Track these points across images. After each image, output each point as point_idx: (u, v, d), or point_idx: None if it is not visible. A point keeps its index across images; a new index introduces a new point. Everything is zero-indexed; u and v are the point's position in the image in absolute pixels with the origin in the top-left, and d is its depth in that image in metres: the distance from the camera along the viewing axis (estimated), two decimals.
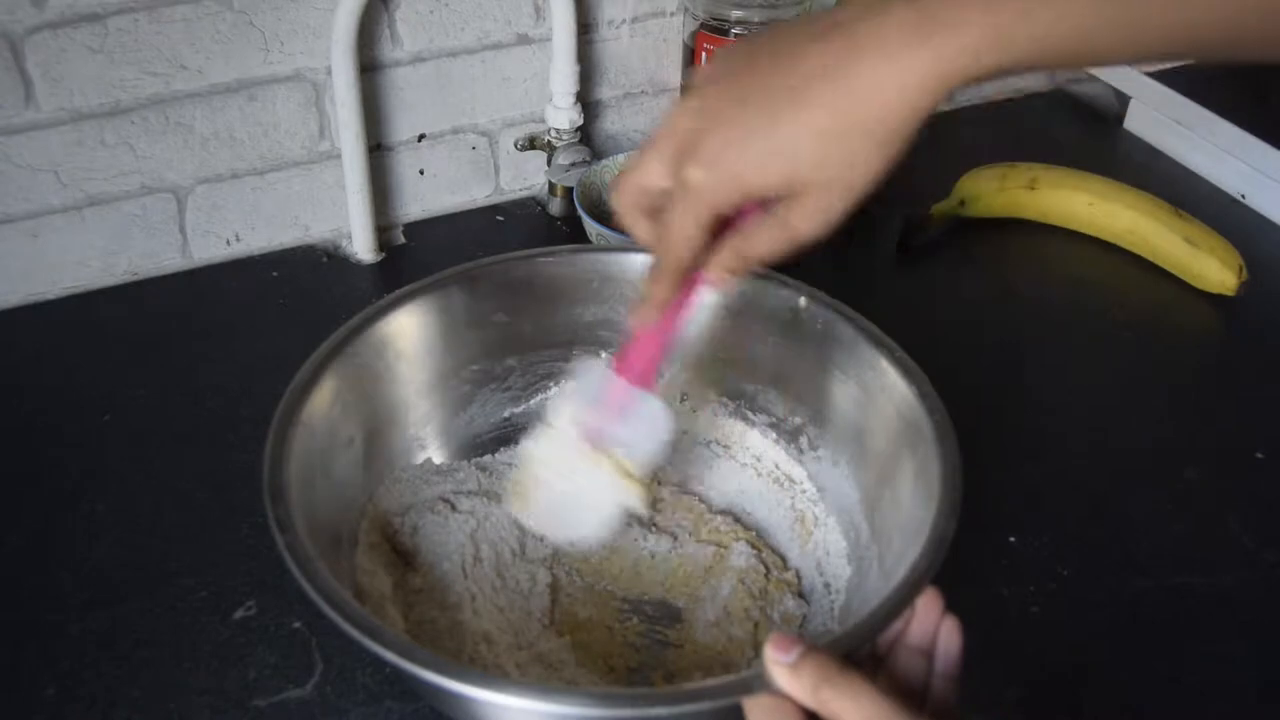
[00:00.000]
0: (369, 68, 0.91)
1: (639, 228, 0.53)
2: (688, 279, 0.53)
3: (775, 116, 0.46)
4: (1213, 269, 0.93)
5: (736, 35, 0.94)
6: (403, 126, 0.96)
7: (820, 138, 0.46)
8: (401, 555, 0.66)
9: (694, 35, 0.97)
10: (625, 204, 0.52)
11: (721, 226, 0.51)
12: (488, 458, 0.73)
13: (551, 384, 0.75)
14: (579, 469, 0.60)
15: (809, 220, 0.48)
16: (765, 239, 0.50)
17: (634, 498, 0.60)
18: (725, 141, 0.47)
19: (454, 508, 0.68)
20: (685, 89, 0.48)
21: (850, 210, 0.48)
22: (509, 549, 0.67)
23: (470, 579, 0.64)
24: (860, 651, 0.51)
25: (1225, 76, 1.15)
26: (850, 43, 0.45)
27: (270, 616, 0.67)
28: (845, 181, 0.47)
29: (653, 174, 0.50)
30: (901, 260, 0.98)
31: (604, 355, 0.63)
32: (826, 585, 0.66)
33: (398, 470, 0.69)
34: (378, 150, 0.95)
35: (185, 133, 0.88)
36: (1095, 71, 1.20)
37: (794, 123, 0.46)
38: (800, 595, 0.66)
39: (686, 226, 0.50)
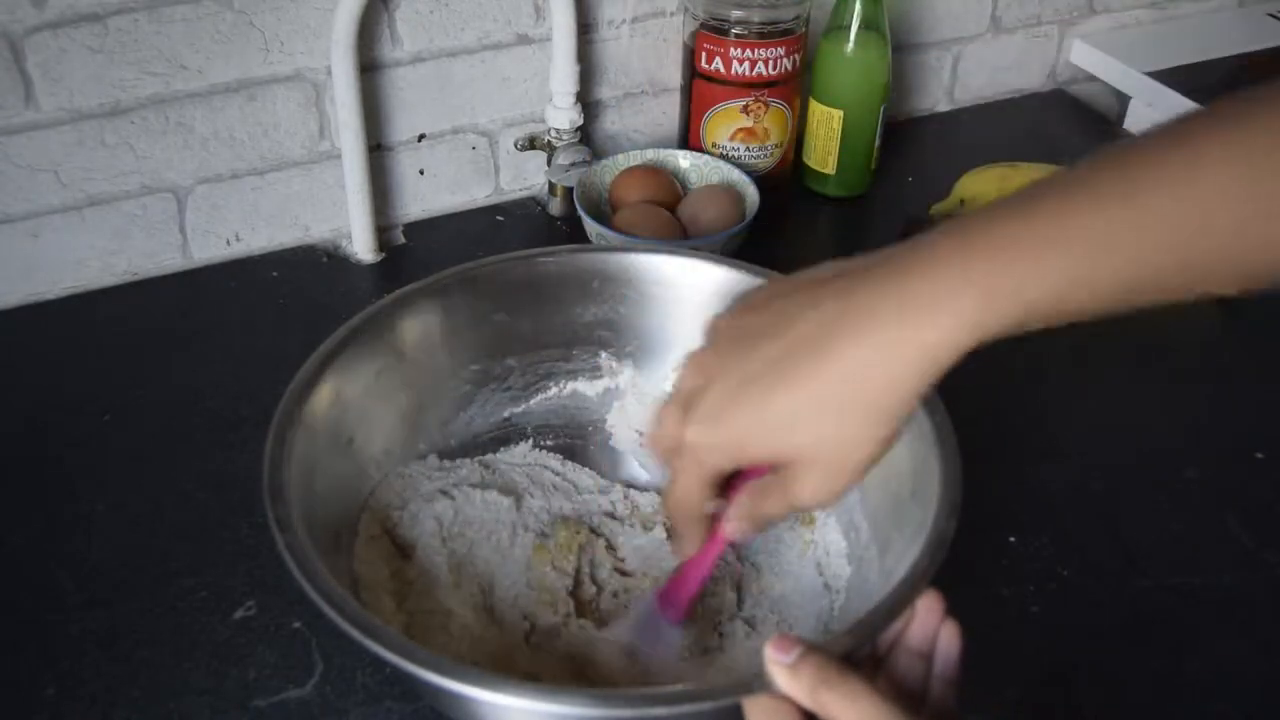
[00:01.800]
0: (369, 68, 0.91)
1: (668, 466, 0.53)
2: (713, 525, 0.53)
3: (769, 386, 0.45)
4: None
5: (736, 35, 0.94)
6: (403, 126, 0.96)
7: (812, 414, 0.45)
8: (400, 548, 0.66)
9: (694, 35, 0.97)
10: (656, 453, 0.52)
11: (734, 477, 0.51)
12: (489, 456, 0.73)
13: (551, 384, 0.75)
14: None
15: (809, 492, 0.47)
16: (772, 504, 0.50)
17: None
18: (721, 405, 0.47)
19: (453, 500, 0.68)
20: (705, 332, 0.51)
21: (852, 486, 0.47)
22: (503, 539, 0.67)
23: (463, 568, 0.65)
24: (860, 652, 0.51)
25: (1225, 77, 1.16)
26: (839, 315, 0.44)
27: (270, 616, 0.67)
28: (841, 459, 0.46)
29: (667, 427, 0.50)
30: None
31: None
32: (826, 585, 0.66)
33: (398, 465, 0.69)
34: (378, 150, 0.96)
35: (185, 133, 0.88)
36: (1094, 71, 1.20)
37: (785, 396, 0.45)
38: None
39: (689, 484, 0.50)
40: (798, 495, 0.47)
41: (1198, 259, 0.43)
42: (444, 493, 0.69)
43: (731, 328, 0.49)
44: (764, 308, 0.48)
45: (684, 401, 0.48)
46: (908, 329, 0.43)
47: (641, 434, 0.73)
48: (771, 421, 0.46)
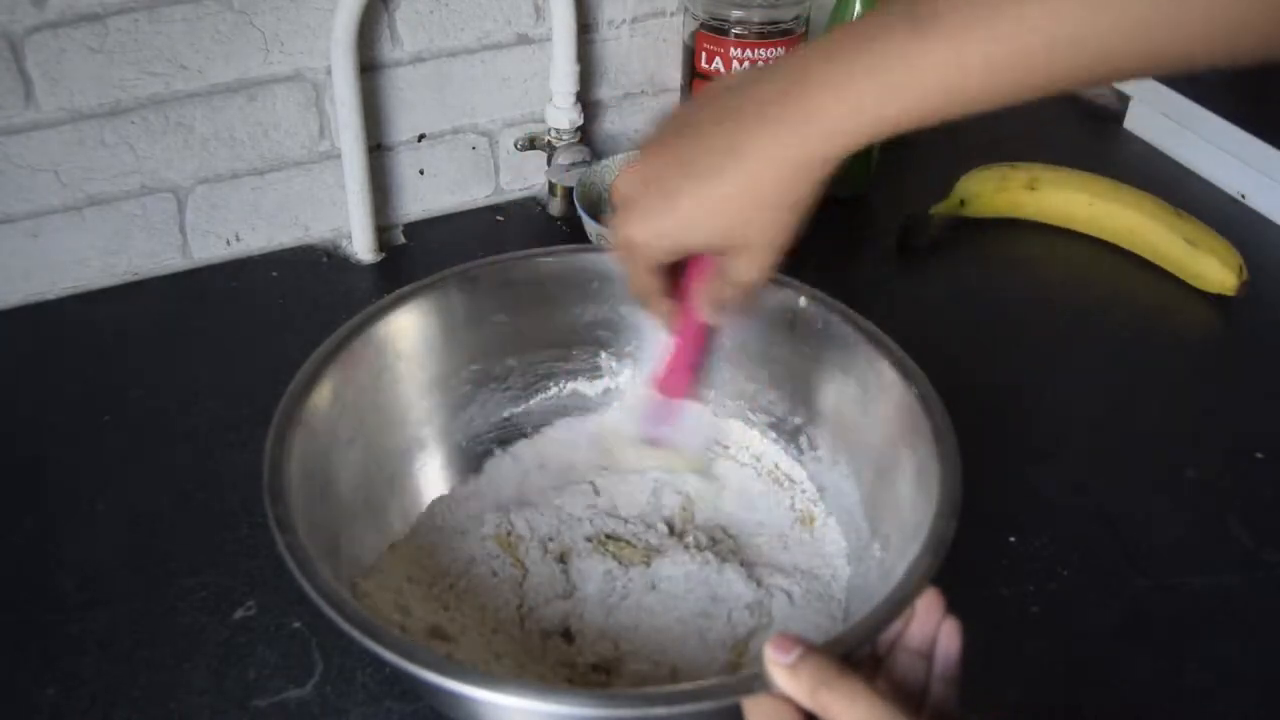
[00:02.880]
0: (369, 68, 0.91)
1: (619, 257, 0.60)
2: (686, 311, 0.61)
3: (694, 187, 0.53)
4: (1213, 269, 0.93)
5: (736, 35, 0.94)
6: (403, 126, 0.96)
7: (728, 208, 0.53)
8: (400, 546, 0.66)
9: (694, 35, 0.97)
10: (616, 258, 0.59)
11: (683, 266, 0.59)
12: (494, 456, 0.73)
13: (551, 384, 0.75)
14: (645, 459, 0.71)
15: (746, 272, 0.56)
16: (720, 287, 0.58)
17: (690, 478, 0.71)
18: (654, 203, 0.54)
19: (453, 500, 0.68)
20: (642, 141, 0.58)
21: (779, 259, 0.55)
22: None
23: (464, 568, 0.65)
24: (860, 652, 0.51)
25: (1225, 77, 1.16)
26: (743, 119, 0.52)
27: (270, 616, 0.67)
28: (762, 242, 0.54)
29: (615, 231, 0.57)
30: (901, 260, 0.98)
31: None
32: (827, 585, 0.66)
33: (398, 465, 0.69)
34: (378, 150, 0.96)
35: (185, 133, 0.88)
36: None
37: (704, 194, 0.53)
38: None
39: (637, 271, 0.58)
40: (736, 275, 0.56)
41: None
42: (444, 493, 0.69)
43: (656, 146, 0.55)
44: (681, 128, 0.55)
45: (624, 207, 0.56)
46: (793, 141, 0.51)
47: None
48: (698, 214, 0.53)
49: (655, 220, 0.55)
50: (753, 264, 0.55)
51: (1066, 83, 0.48)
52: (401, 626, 0.61)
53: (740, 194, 0.52)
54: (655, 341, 0.73)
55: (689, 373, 0.64)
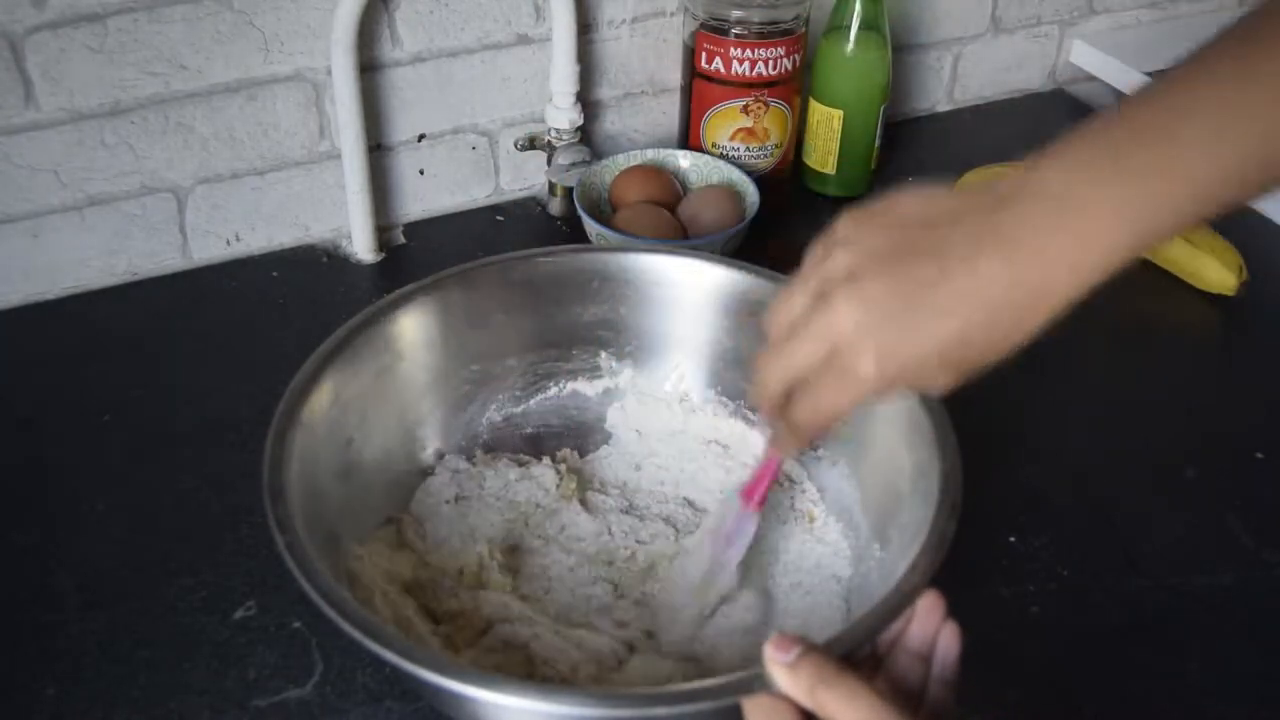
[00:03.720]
0: (369, 68, 0.91)
1: (774, 407, 0.53)
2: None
3: (941, 318, 0.46)
4: (1213, 269, 0.93)
5: (736, 36, 0.94)
6: (403, 126, 0.96)
7: (979, 338, 0.47)
8: (400, 547, 0.66)
9: (694, 35, 0.97)
10: (775, 387, 0.52)
11: None
12: (493, 456, 0.73)
13: (551, 384, 0.75)
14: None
15: (941, 385, 0.49)
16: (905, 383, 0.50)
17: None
18: (898, 339, 0.47)
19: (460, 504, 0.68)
20: (829, 253, 0.50)
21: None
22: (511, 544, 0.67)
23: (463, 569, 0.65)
24: (859, 652, 0.51)
25: None
26: (1003, 235, 0.46)
27: (270, 616, 0.67)
28: (979, 363, 0.48)
29: (812, 361, 0.49)
30: None
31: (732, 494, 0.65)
32: (826, 585, 0.66)
33: (398, 465, 0.69)
34: (378, 150, 0.96)
35: (185, 133, 0.88)
36: (1094, 71, 1.20)
37: (960, 325, 0.46)
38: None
39: (845, 407, 0.50)
40: (936, 385, 0.49)
41: None
42: (447, 492, 0.69)
43: (876, 266, 0.47)
44: (908, 245, 0.47)
45: (839, 337, 0.48)
46: (1054, 259, 0.45)
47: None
48: (941, 354, 0.47)
49: (900, 356, 0.47)
50: (946, 381, 0.49)
51: None
52: (384, 592, 0.61)
53: (996, 324, 0.46)
54: (657, 344, 0.74)
55: (770, 485, 0.63)
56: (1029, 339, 0.48)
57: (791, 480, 0.72)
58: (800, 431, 0.53)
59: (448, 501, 0.69)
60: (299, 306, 0.91)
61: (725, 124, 0.98)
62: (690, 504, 0.72)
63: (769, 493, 0.63)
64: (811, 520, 0.70)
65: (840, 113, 1.00)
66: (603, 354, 0.75)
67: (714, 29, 0.95)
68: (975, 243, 0.46)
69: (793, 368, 0.50)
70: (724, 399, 0.74)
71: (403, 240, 0.99)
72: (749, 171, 0.97)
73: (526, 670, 0.60)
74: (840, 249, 0.48)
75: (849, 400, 0.49)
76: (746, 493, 0.63)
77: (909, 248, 0.47)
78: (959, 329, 0.46)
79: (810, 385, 0.50)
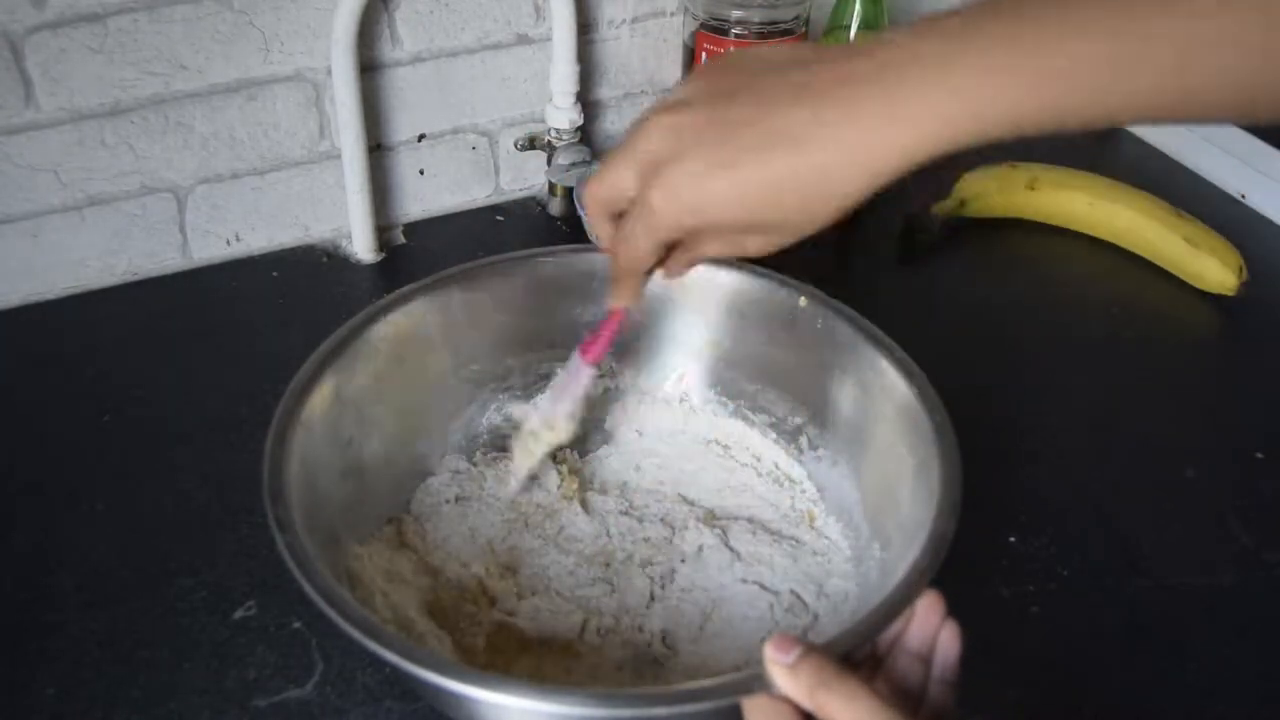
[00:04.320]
0: (369, 68, 0.91)
1: (603, 230, 0.54)
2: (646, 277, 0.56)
3: (739, 160, 0.47)
4: (1213, 269, 0.93)
5: (736, 35, 0.94)
6: (403, 126, 0.96)
7: (778, 189, 0.47)
8: (400, 546, 0.66)
9: (694, 35, 0.97)
10: (593, 207, 0.53)
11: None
12: (493, 457, 0.73)
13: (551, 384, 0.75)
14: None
15: (758, 247, 0.51)
16: (716, 249, 0.52)
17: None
18: (690, 173, 0.47)
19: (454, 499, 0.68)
20: (665, 95, 0.52)
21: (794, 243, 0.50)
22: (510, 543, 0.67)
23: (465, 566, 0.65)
24: (859, 653, 0.51)
25: None
26: (823, 100, 0.46)
27: (270, 616, 0.67)
28: (794, 226, 0.48)
29: (622, 183, 0.51)
30: (902, 260, 0.98)
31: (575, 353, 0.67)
32: (827, 585, 0.66)
33: (398, 465, 0.69)
34: (378, 150, 0.96)
35: (185, 133, 0.88)
36: None
37: (757, 170, 0.46)
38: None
39: (643, 243, 0.51)
40: (746, 247, 0.51)
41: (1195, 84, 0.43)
42: (447, 492, 0.69)
43: (703, 102, 0.48)
44: (739, 83, 0.48)
45: (646, 163, 0.49)
46: (878, 128, 0.45)
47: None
48: (746, 190, 0.47)
49: (693, 187, 0.47)
50: (770, 243, 0.50)
51: (1184, 108, 0.43)
52: (384, 593, 0.61)
53: (801, 177, 0.46)
54: (657, 344, 0.74)
55: (614, 340, 0.64)
56: (838, 212, 0.47)
57: (791, 480, 0.72)
58: (619, 272, 0.55)
59: (448, 501, 0.69)
60: (299, 306, 0.91)
61: None
62: (689, 503, 0.72)
63: (609, 347, 0.64)
64: (811, 520, 0.70)
65: None
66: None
67: (714, 29, 0.95)
68: (800, 91, 0.46)
69: (604, 187, 0.51)
70: (724, 399, 0.74)
71: (403, 240, 0.99)
72: None
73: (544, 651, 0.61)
74: (685, 83, 0.50)
75: (644, 235, 0.50)
76: (584, 347, 0.64)
77: (740, 87, 0.48)
78: (760, 176, 0.46)
79: (622, 222, 0.52)
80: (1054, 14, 0.43)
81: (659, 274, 0.57)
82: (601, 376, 0.76)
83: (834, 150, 0.45)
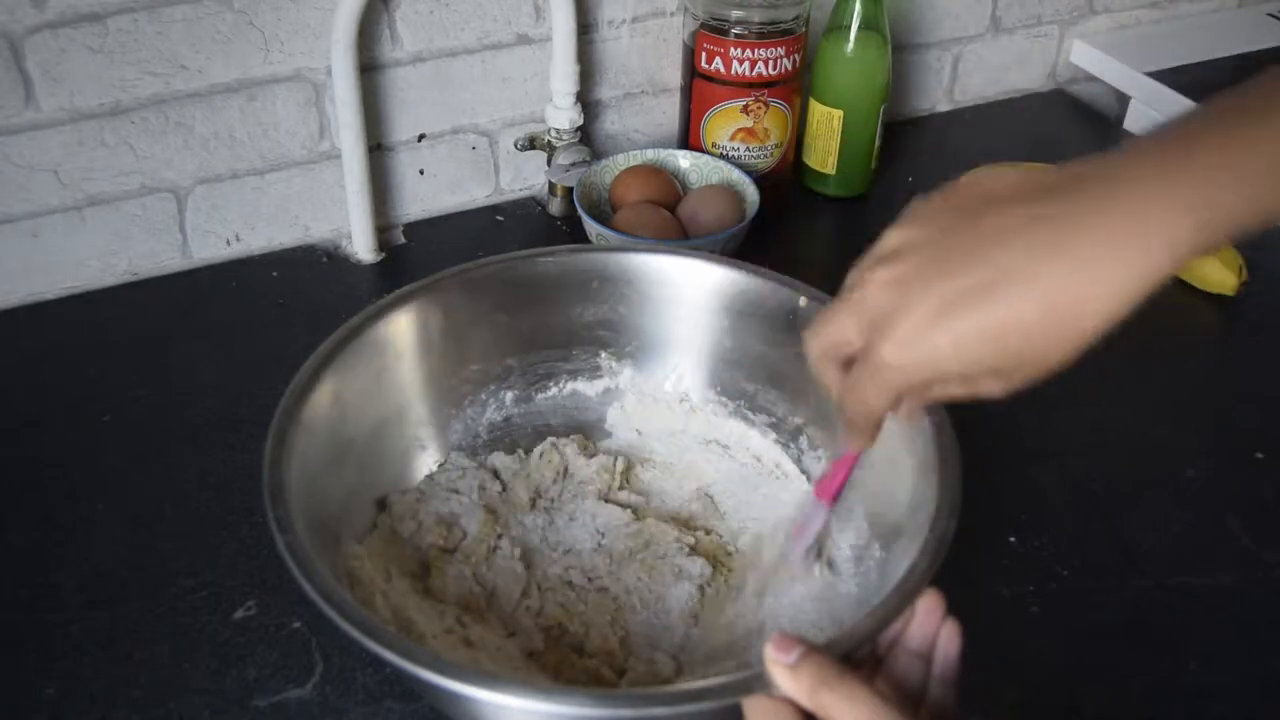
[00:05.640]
0: (369, 68, 0.91)
1: (829, 377, 0.52)
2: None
3: (963, 306, 0.45)
4: (1213, 269, 0.93)
5: (736, 36, 0.94)
6: (403, 126, 0.96)
7: (1006, 335, 0.44)
8: (400, 546, 0.66)
9: (694, 35, 0.97)
10: (817, 354, 0.52)
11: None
12: (495, 458, 0.73)
13: (551, 384, 0.75)
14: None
15: (995, 390, 0.48)
16: (950, 394, 0.49)
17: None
18: (919, 328, 0.46)
19: (453, 499, 0.68)
20: (881, 244, 0.49)
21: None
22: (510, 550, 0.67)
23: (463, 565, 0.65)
24: (860, 652, 0.51)
25: (1225, 78, 1.15)
26: (1056, 233, 0.44)
27: (270, 616, 0.67)
28: (1029, 368, 0.46)
29: (846, 332, 0.49)
30: None
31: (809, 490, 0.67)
32: (827, 585, 0.66)
33: (399, 465, 0.69)
34: (378, 150, 0.96)
35: (185, 133, 0.88)
36: (1095, 71, 1.20)
37: (982, 316, 0.44)
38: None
39: (876, 399, 0.49)
40: (980, 392, 0.48)
41: None
42: (447, 492, 0.69)
43: (923, 247, 0.47)
44: (954, 229, 0.46)
45: (874, 317, 0.47)
46: (1117, 255, 0.43)
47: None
48: (978, 345, 0.45)
49: (927, 343, 0.45)
50: (1005, 387, 0.47)
51: None
52: (384, 593, 0.61)
53: (1028, 319, 0.44)
54: (657, 344, 0.74)
55: (844, 480, 0.61)
56: (1074, 352, 0.45)
57: (791, 480, 0.72)
58: (850, 424, 0.53)
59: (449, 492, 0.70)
60: (299, 306, 0.91)
61: (725, 124, 0.98)
62: (689, 503, 0.72)
63: (843, 488, 0.62)
64: None
65: (840, 113, 1.00)
66: (603, 354, 0.75)
67: (714, 29, 0.95)
68: (1024, 225, 0.44)
69: (828, 337, 0.50)
70: (724, 399, 0.74)
71: (403, 240, 0.99)
72: (749, 171, 0.97)
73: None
74: (899, 227, 0.48)
75: (877, 390, 0.48)
76: (820, 487, 0.62)
77: (963, 228, 0.46)
78: (986, 322, 0.44)
79: (851, 374, 0.50)
80: (1261, 117, 0.43)
81: (894, 415, 0.53)
82: (601, 378, 0.76)
83: (1060, 288, 0.44)
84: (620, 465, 0.72)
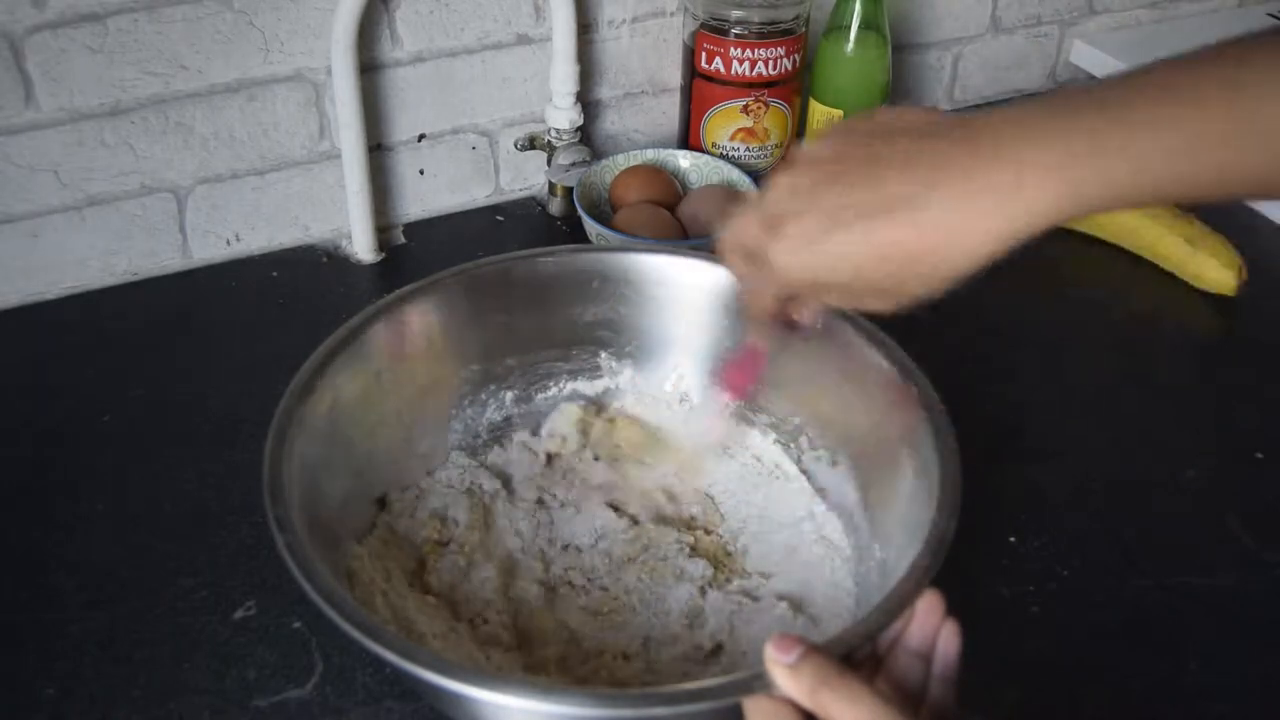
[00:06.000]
0: (369, 68, 0.91)
1: (736, 268, 0.57)
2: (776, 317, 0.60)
3: (863, 229, 0.49)
4: (1212, 269, 0.93)
5: (736, 35, 0.94)
6: (403, 126, 0.96)
7: (890, 259, 0.49)
8: (400, 546, 0.66)
9: (694, 35, 0.97)
10: (725, 248, 0.56)
11: None
12: (492, 455, 0.73)
13: (551, 384, 0.75)
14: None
15: (877, 306, 0.53)
16: (835, 302, 0.55)
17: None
18: (806, 234, 0.50)
19: (453, 497, 0.68)
20: (791, 156, 0.54)
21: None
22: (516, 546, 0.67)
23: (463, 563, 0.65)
24: (860, 652, 0.51)
25: None
26: (943, 172, 0.48)
27: (270, 616, 0.67)
28: (909, 291, 0.50)
29: (746, 232, 0.54)
30: None
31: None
32: (827, 585, 0.66)
33: (399, 464, 0.69)
34: (378, 150, 0.96)
35: (185, 133, 0.88)
36: (1095, 71, 1.20)
37: (866, 235, 0.49)
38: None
39: (765, 295, 0.56)
40: (865, 306, 0.53)
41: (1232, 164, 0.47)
42: (446, 490, 0.69)
43: (824, 163, 0.51)
44: (854, 151, 0.50)
45: (770, 218, 0.52)
46: (994, 200, 0.47)
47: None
48: (858, 259, 0.49)
49: (812, 248, 0.50)
50: (885, 306, 0.52)
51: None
52: (384, 593, 0.61)
53: (909, 245, 0.48)
54: (656, 344, 0.74)
55: (759, 375, 0.65)
56: (949, 282, 0.49)
57: (791, 480, 0.72)
58: (747, 314, 0.59)
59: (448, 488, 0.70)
60: (299, 306, 0.91)
61: (725, 124, 0.98)
62: (689, 503, 0.72)
63: (752, 381, 0.66)
64: (811, 520, 0.70)
65: (840, 113, 1.00)
66: (603, 354, 0.75)
67: (714, 29, 0.95)
68: (918, 157, 0.48)
69: (732, 234, 0.55)
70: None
71: (403, 240, 0.99)
72: (749, 171, 0.97)
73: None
74: (813, 142, 0.53)
75: (765, 287, 0.55)
76: (729, 380, 0.67)
77: (861, 149, 0.50)
78: (869, 241, 0.49)
79: (748, 268, 0.55)
80: (1162, 90, 0.46)
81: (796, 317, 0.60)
82: (601, 378, 0.76)
83: (938, 221, 0.48)
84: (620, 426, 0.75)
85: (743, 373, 0.65)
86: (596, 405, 0.76)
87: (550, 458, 0.74)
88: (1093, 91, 0.48)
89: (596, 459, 0.73)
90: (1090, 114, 0.47)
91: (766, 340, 0.61)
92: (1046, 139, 0.47)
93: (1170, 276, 0.95)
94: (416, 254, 0.97)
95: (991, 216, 0.47)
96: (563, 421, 0.74)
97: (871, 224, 0.48)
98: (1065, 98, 0.48)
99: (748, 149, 0.99)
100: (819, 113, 1.01)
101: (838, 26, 0.98)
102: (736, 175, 0.96)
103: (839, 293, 0.53)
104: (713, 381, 0.69)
